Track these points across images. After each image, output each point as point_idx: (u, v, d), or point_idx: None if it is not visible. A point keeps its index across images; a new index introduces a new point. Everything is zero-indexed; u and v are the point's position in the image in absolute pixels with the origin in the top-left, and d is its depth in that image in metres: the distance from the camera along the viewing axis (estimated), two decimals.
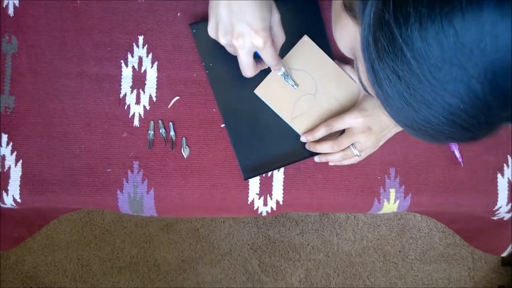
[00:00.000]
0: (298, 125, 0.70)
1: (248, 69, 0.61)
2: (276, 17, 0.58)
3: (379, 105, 0.66)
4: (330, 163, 0.72)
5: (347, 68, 0.70)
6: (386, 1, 0.33)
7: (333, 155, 0.69)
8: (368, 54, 0.37)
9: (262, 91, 0.69)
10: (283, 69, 0.66)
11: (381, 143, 0.70)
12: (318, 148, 0.69)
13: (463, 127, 0.34)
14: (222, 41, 0.57)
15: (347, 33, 0.46)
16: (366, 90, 0.47)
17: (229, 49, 0.60)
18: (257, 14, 0.53)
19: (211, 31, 0.58)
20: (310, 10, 0.70)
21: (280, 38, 0.61)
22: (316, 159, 0.71)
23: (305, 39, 0.69)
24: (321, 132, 0.69)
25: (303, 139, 0.70)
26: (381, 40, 0.34)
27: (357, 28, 0.43)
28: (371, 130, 0.67)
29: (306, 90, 0.70)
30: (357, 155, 0.68)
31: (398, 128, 0.70)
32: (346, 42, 0.47)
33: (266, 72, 0.68)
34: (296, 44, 0.68)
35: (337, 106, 0.70)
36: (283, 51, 0.68)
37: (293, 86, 0.69)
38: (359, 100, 0.69)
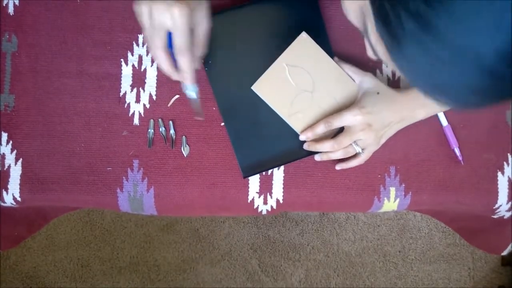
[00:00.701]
0: (295, 123, 0.70)
1: (156, 50, 0.53)
2: (203, 25, 0.53)
3: (379, 99, 0.66)
4: (337, 167, 0.71)
5: (346, 66, 0.70)
6: None
7: (334, 153, 0.69)
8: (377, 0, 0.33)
9: (259, 87, 0.69)
10: (194, 95, 0.59)
11: (383, 140, 0.70)
12: (318, 147, 0.69)
13: (497, 78, 0.29)
14: (138, 17, 0.52)
15: None
16: (378, 56, 0.43)
17: (144, 34, 0.53)
18: None
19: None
20: (310, 8, 0.70)
21: (204, 24, 0.54)
22: (317, 157, 0.71)
23: (304, 36, 0.69)
24: (320, 129, 0.68)
25: (302, 137, 0.70)
26: None
27: None
28: (371, 127, 0.67)
29: (304, 87, 0.70)
30: (359, 152, 0.68)
31: (400, 125, 0.70)
32: (355, 7, 0.43)
33: (264, 68, 0.68)
34: (294, 41, 0.68)
35: (335, 104, 0.70)
36: (281, 49, 0.68)
37: (198, 113, 0.65)
38: (359, 97, 0.69)
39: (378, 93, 0.68)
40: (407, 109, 0.68)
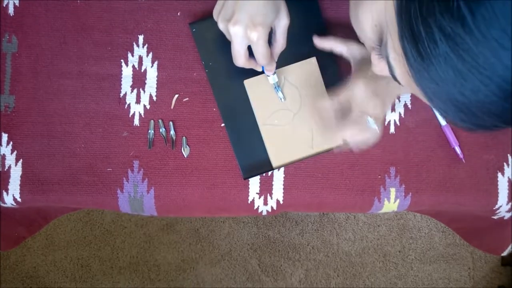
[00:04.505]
0: (266, 133, 0.70)
1: (238, 57, 0.60)
2: (283, 22, 0.57)
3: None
4: (356, 150, 0.68)
5: (330, 39, 0.66)
6: None
7: (353, 137, 0.64)
8: (407, 17, 0.33)
9: (250, 84, 0.69)
10: (276, 78, 0.66)
11: (387, 107, 0.65)
12: (339, 138, 0.64)
13: None
14: (220, 25, 0.57)
15: (374, 8, 0.42)
16: (393, 75, 0.43)
17: (226, 35, 0.59)
18: (260, 8, 0.53)
19: (215, 12, 0.58)
20: (310, 9, 0.70)
21: (280, 45, 0.60)
22: (336, 150, 0.70)
23: (313, 61, 0.69)
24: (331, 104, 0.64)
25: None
26: None
27: None
28: (378, 96, 0.62)
29: (289, 106, 0.70)
30: (374, 127, 0.63)
31: (398, 90, 0.65)
32: (372, 19, 0.43)
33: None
34: (302, 61, 0.69)
35: (308, 137, 0.70)
36: (286, 62, 0.68)
37: (280, 99, 0.69)
38: (357, 68, 0.65)
39: None
40: None
